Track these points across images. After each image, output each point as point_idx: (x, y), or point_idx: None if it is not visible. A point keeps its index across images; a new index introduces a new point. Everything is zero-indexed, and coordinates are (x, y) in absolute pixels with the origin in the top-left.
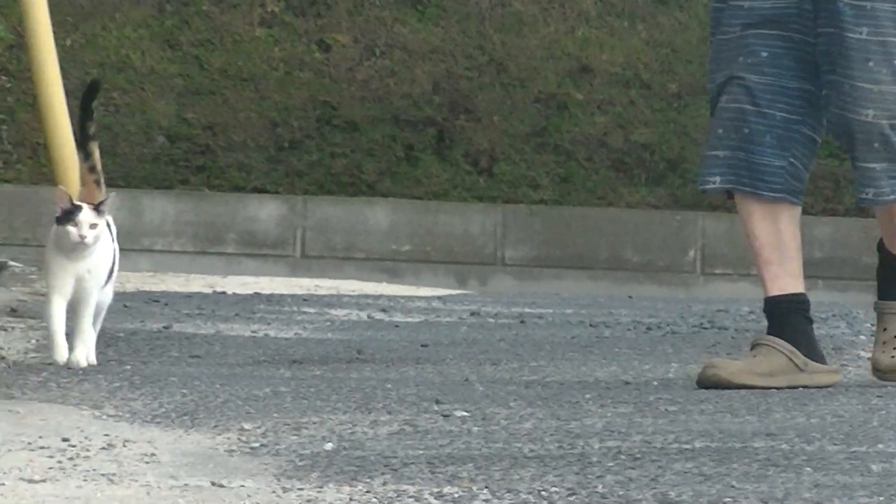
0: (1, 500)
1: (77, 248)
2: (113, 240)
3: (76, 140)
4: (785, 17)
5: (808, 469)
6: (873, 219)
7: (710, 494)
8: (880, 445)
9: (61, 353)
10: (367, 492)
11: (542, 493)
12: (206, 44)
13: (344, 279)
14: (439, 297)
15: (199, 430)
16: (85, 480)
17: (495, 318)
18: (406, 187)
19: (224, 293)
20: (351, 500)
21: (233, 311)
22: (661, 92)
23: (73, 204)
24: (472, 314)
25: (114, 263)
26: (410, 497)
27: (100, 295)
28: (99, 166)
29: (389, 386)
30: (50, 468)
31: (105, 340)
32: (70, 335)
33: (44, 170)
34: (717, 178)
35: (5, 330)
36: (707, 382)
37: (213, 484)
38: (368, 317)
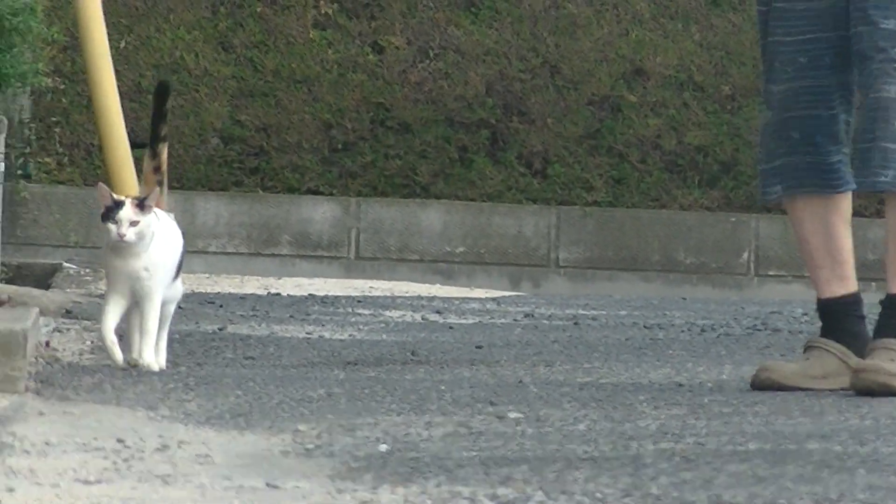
0: (56, 502)
1: (118, 247)
2: (184, 244)
3: (148, 140)
4: (822, 16)
5: (862, 471)
6: None
7: (763, 496)
8: None
9: (116, 356)
10: (422, 493)
11: (596, 494)
12: (260, 45)
13: (398, 281)
14: (493, 299)
15: (254, 431)
16: (139, 481)
17: (549, 319)
18: (460, 189)
19: (278, 295)
20: (405, 501)
21: (287, 312)
22: (715, 94)
23: (114, 200)
24: (526, 316)
25: (181, 258)
26: (465, 499)
27: (169, 291)
28: (164, 168)
29: (443, 387)
30: (105, 469)
31: None
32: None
33: (97, 172)
34: (779, 188)
35: (60, 331)
36: (761, 385)
37: (267, 485)
38: (423, 318)
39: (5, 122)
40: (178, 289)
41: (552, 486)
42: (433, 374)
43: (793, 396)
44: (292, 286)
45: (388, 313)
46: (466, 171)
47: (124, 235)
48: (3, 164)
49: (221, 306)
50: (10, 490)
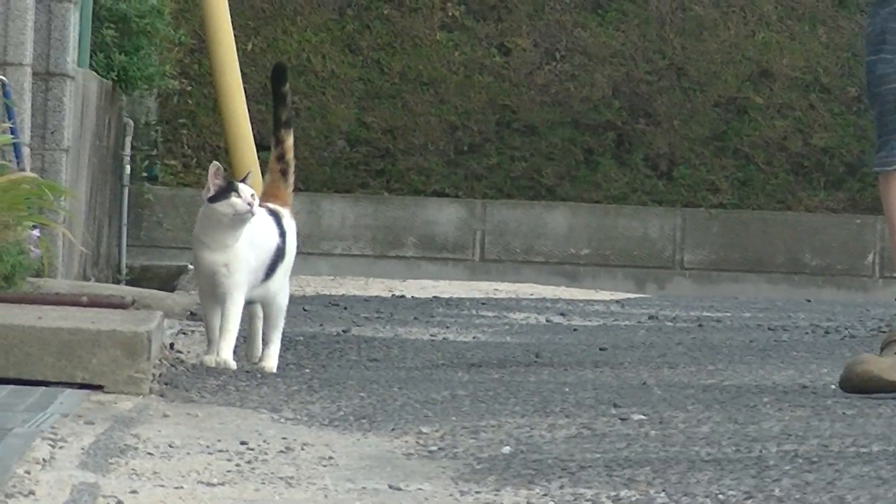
0: (180, 503)
1: (242, 221)
2: (283, 235)
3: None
4: None
5: None
6: None
7: (886, 498)
8: None
9: (209, 357)
10: (545, 495)
11: (719, 496)
12: (387, 48)
13: (522, 283)
14: (617, 301)
15: (377, 433)
16: (263, 483)
17: (673, 321)
18: (585, 191)
19: (403, 296)
20: (528, 503)
21: (411, 314)
22: (841, 96)
23: (227, 181)
24: (651, 318)
25: (278, 259)
26: (588, 501)
27: (263, 292)
28: (290, 155)
29: (567, 389)
30: (228, 471)
31: (284, 344)
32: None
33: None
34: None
35: (185, 333)
36: (856, 379)
37: (390, 487)
38: (547, 320)
39: (132, 124)
40: (276, 290)
41: (675, 487)
42: (557, 375)
43: None
44: (417, 288)
45: (512, 315)
46: (592, 172)
47: (252, 205)
48: (129, 166)
49: (346, 308)
50: (134, 492)
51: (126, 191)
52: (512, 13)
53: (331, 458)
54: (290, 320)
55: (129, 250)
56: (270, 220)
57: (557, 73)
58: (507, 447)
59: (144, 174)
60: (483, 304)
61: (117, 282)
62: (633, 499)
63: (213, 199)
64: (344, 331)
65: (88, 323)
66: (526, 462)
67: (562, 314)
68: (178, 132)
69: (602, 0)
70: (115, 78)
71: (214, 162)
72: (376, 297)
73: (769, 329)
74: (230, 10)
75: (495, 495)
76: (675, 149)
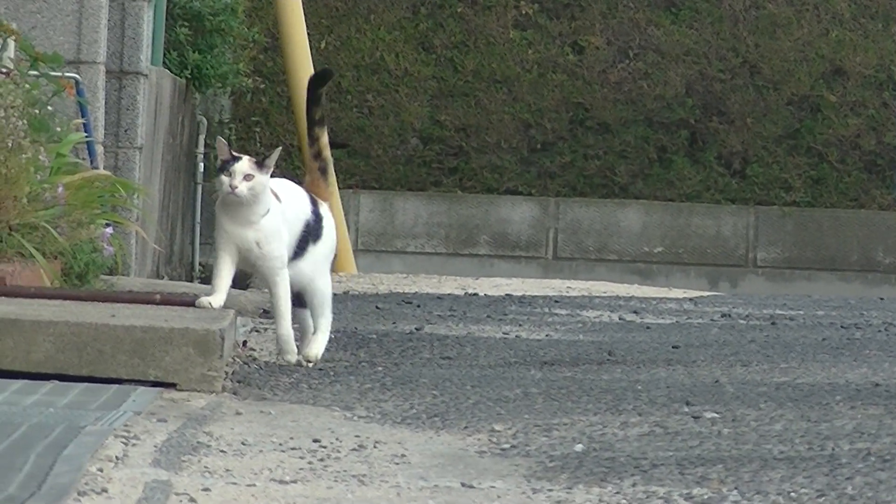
0: (252, 501)
1: (228, 203)
2: (317, 216)
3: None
4: None
5: None
6: None
7: None
8: None
9: (218, 299)
10: (617, 493)
11: (792, 494)
12: (460, 46)
13: (596, 280)
14: (691, 299)
15: (450, 431)
16: (335, 481)
17: (746, 319)
18: (658, 189)
19: (476, 295)
20: (600, 501)
21: (484, 312)
22: None
23: (231, 155)
24: (724, 316)
25: (308, 237)
26: (660, 498)
27: (305, 276)
28: (326, 152)
29: (640, 387)
30: (301, 469)
31: (357, 342)
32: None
33: (297, 172)
34: None
35: (258, 331)
36: None
37: (462, 485)
38: (620, 318)
39: (205, 122)
40: (310, 273)
41: (747, 485)
42: (629, 374)
43: None
44: (490, 286)
45: (585, 313)
46: (665, 171)
47: (236, 188)
48: (202, 164)
49: (419, 306)
50: (206, 490)
51: (199, 189)
52: (585, 11)
53: (403, 455)
54: (362, 318)
55: (203, 248)
56: (304, 197)
57: (631, 71)
58: (580, 445)
59: None
60: (556, 302)
61: (191, 279)
62: (706, 497)
63: (218, 172)
64: (417, 329)
65: (161, 321)
66: (598, 460)
67: (635, 312)
68: (251, 130)
69: None
70: (189, 76)
71: (220, 137)
72: (449, 295)
73: (842, 327)
74: (304, 8)
75: (567, 493)
76: (748, 147)
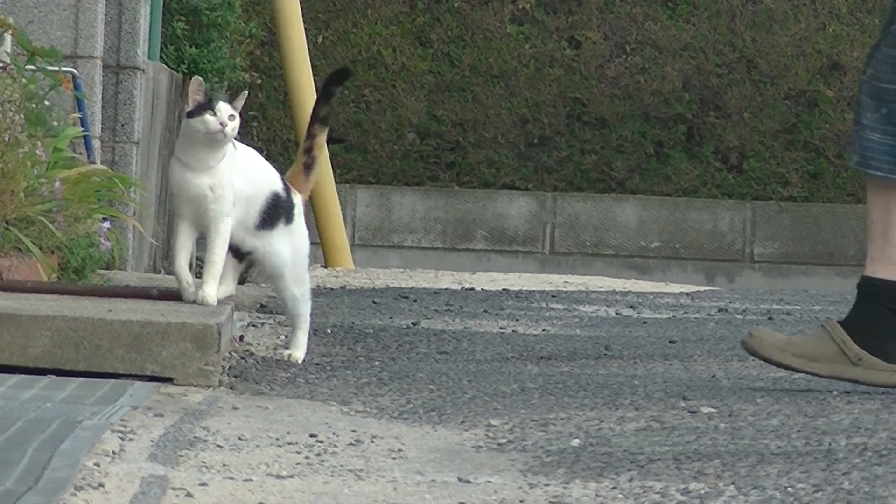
0: (249, 496)
1: (214, 141)
2: (288, 193)
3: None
4: None
5: None
6: None
7: None
8: None
9: (186, 294)
10: (613, 488)
11: (789, 489)
12: (457, 41)
13: (592, 275)
14: (687, 294)
15: (447, 426)
16: (332, 476)
17: (743, 314)
18: (655, 184)
19: (473, 289)
20: (597, 496)
21: (481, 307)
22: None
23: (208, 96)
24: (720, 311)
25: (276, 212)
26: (656, 493)
27: (273, 252)
28: (318, 152)
29: (637, 382)
30: (297, 464)
31: (353, 337)
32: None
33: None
34: (855, 158)
35: (255, 326)
36: (746, 348)
37: (459, 480)
38: (616, 313)
39: None
40: (277, 251)
41: (744, 480)
42: (626, 368)
43: None
44: (487, 281)
45: (581, 308)
46: (662, 165)
47: (226, 125)
48: None
49: (416, 301)
50: (203, 485)
51: None
52: (582, 6)
53: (400, 450)
54: (359, 313)
55: (200, 242)
56: (273, 171)
57: (628, 65)
58: (577, 440)
59: None
60: (553, 296)
61: None
62: (703, 492)
63: (190, 115)
64: (413, 323)
65: (158, 315)
66: (595, 455)
67: (631, 307)
68: (248, 125)
69: None
70: (186, 71)
71: (196, 76)
72: (446, 289)
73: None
74: (301, 3)
75: (564, 488)
76: (745, 142)
